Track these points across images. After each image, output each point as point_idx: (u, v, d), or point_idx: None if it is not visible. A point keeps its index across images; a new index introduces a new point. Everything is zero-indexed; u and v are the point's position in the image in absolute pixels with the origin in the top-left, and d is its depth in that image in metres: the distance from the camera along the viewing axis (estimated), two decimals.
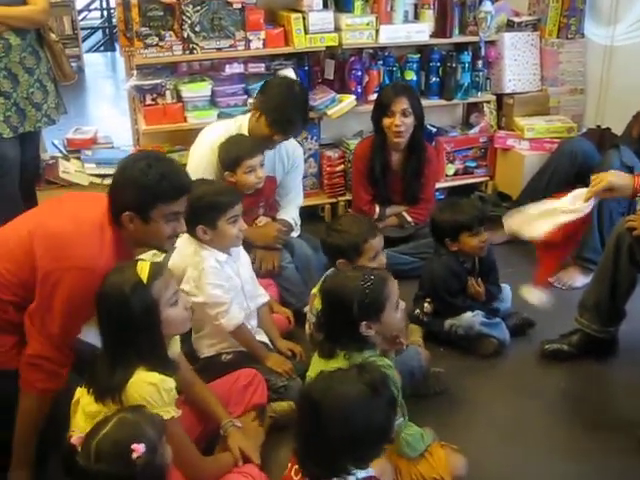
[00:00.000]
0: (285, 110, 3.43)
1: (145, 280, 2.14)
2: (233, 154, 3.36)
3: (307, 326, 3.04)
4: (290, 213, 3.73)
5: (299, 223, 3.80)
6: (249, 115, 3.58)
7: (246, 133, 3.52)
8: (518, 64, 4.95)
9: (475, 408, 3.04)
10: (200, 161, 3.49)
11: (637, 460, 2.77)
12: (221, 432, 2.52)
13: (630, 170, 3.81)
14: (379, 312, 2.40)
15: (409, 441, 2.41)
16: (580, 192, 2.68)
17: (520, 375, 3.26)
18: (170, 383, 2.15)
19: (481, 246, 3.33)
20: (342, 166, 4.62)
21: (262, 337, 3.05)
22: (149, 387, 2.09)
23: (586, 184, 4.05)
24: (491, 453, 2.78)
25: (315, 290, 2.94)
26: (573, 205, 2.69)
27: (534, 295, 2.80)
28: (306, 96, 3.68)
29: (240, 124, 3.57)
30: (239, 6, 4.13)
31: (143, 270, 2.16)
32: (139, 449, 1.81)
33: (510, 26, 4.97)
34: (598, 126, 4.79)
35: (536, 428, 2.94)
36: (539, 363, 3.33)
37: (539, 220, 2.65)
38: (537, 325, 3.51)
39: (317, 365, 2.44)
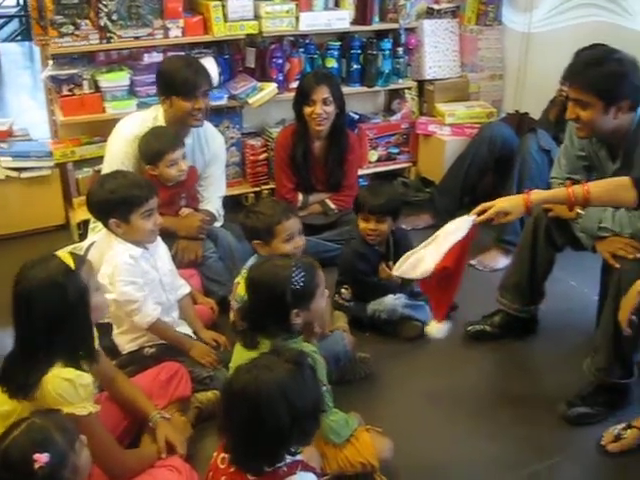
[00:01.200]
0: (176, 74, 3.41)
1: (73, 267, 2.13)
2: (154, 148, 3.32)
3: (231, 314, 3.02)
4: (213, 203, 3.69)
5: (222, 213, 3.77)
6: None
7: (163, 122, 3.49)
8: (438, 51, 5.01)
9: (401, 391, 3.08)
10: (117, 154, 3.44)
11: (558, 434, 2.86)
12: (150, 424, 2.49)
13: (547, 153, 3.91)
14: (310, 300, 2.41)
15: (334, 427, 2.42)
16: (463, 219, 2.72)
17: (443, 356, 3.31)
18: (87, 378, 2.12)
19: (367, 233, 3.38)
20: (265, 155, 4.60)
21: (184, 329, 3.02)
22: (64, 383, 2.05)
23: (503, 170, 4.16)
24: (417, 434, 2.82)
25: (239, 279, 2.93)
26: (454, 226, 2.72)
27: (438, 330, 2.86)
28: (193, 59, 3.72)
29: (156, 114, 3.53)
30: None
31: (67, 259, 2.14)
32: (42, 459, 1.76)
33: (430, 13, 5.02)
34: (517, 111, 4.88)
35: (461, 407, 3.00)
36: (462, 344, 3.39)
37: (426, 254, 2.68)
38: (460, 307, 3.55)
39: (240, 355, 2.42)
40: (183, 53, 4.16)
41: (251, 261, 2.97)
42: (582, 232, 3.02)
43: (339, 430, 2.44)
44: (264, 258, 2.66)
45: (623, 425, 2.79)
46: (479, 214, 2.70)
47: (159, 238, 2.97)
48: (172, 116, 3.48)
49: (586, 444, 2.80)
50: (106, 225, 2.80)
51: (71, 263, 2.14)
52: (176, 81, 3.40)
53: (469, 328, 3.42)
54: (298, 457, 1.99)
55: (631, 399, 2.94)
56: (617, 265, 2.80)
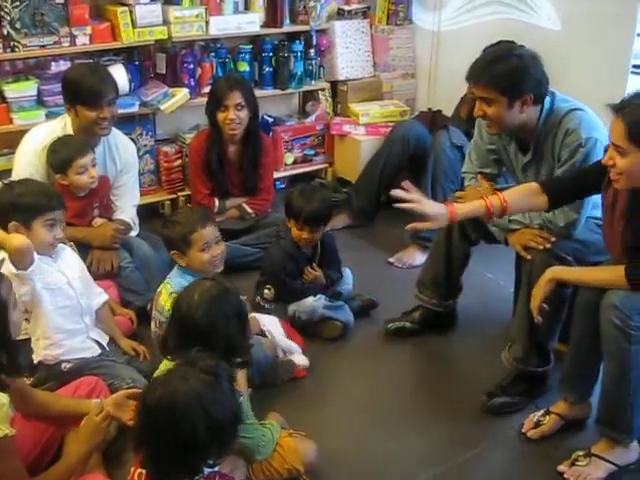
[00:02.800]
0: (81, 83, 3.35)
1: None
2: (63, 155, 3.26)
3: (152, 324, 2.98)
4: (127, 212, 3.63)
5: (137, 222, 3.72)
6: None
7: (71, 131, 3.43)
8: (350, 51, 5.03)
9: (323, 391, 3.09)
10: (25, 167, 3.37)
11: (481, 425, 2.91)
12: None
13: (460, 149, 3.98)
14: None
15: (261, 451, 2.39)
16: None
17: (365, 355, 3.33)
18: (2, 398, 2.05)
19: (300, 240, 3.39)
20: (180, 161, 4.55)
21: (97, 336, 2.97)
22: None
23: (418, 168, 4.20)
24: (342, 435, 2.83)
25: (161, 288, 2.89)
26: None
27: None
28: (98, 66, 3.69)
29: (64, 123, 3.47)
30: (62, 1, 3.96)
31: None
32: None
33: (340, 14, 5.04)
34: (429, 109, 4.94)
35: (384, 405, 3.02)
36: (384, 342, 3.42)
37: None
38: (380, 305, 3.59)
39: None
40: (91, 61, 4.08)
41: (175, 275, 2.92)
42: (494, 226, 3.08)
43: (266, 450, 2.41)
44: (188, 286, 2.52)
45: (542, 412, 2.86)
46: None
47: (66, 247, 2.91)
48: (79, 125, 3.41)
49: (508, 432, 2.86)
50: (4, 228, 2.71)
51: None
52: (81, 90, 3.34)
53: (389, 325, 3.44)
54: (216, 468, 1.97)
55: (549, 386, 3.01)
56: (528, 257, 2.86)
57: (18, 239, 2.60)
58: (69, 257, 2.92)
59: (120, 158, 3.62)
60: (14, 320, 2.16)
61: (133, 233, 3.65)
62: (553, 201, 2.74)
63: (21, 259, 2.62)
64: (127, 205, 3.65)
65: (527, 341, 2.92)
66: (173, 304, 2.38)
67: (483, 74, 2.80)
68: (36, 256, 2.67)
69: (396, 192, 2.77)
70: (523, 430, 2.84)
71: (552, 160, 2.88)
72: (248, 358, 2.39)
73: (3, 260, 2.71)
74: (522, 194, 2.80)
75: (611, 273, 2.52)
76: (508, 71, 2.76)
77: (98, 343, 2.94)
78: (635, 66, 3.89)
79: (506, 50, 2.91)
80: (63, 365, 2.83)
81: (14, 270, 2.60)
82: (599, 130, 2.79)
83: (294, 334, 3.19)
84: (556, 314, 2.83)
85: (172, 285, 2.85)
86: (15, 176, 3.40)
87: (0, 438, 2.01)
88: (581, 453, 2.65)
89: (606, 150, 2.45)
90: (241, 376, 2.48)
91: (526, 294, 2.78)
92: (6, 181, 3.61)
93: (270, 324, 3.04)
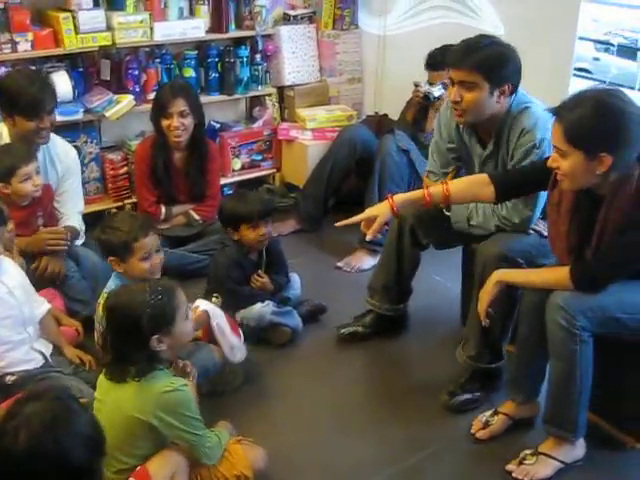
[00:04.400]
0: (20, 94, 3.27)
1: None
2: (6, 163, 3.18)
3: (96, 335, 2.94)
4: (73, 219, 3.58)
5: (84, 229, 3.66)
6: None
7: (8, 140, 3.37)
8: (296, 56, 5.03)
9: (274, 398, 3.08)
10: None
11: (432, 426, 2.94)
12: None
13: (406, 153, 4.00)
14: (170, 324, 2.33)
15: (208, 453, 2.37)
16: None
17: (316, 360, 3.33)
18: None
19: (259, 239, 3.37)
20: (126, 168, 4.49)
21: (41, 345, 2.92)
22: None
23: (365, 172, 4.22)
24: (292, 441, 2.82)
25: (100, 299, 2.85)
26: None
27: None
28: (35, 74, 3.58)
29: (1, 132, 3.40)
30: (1, 6, 3.89)
31: None
32: None
33: (286, 19, 5.04)
34: (376, 113, 4.97)
35: (335, 410, 3.02)
36: (335, 347, 3.43)
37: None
38: (329, 310, 3.59)
39: (105, 390, 2.35)
40: (34, 67, 4.01)
41: (111, 281, 2.89)
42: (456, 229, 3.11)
43: (213, 455, 2.39)
44: (122, 285, 2.54)
45: (490, 412, 2.89)
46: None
47: (4, 257, 2.85)
48: (17, 134, 3.35)
49: (458, 432, 2.88)
50: None
51: None
52: (19, 101, 3.26)
53: (342, 330, 3.44)
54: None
55: (504, 382, 3.04)
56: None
57: None
58: (9, 267, 2.87)
59: (61, 163, 3.55)
60: None
61: (80, 241, 3.59)
62: (500, 193, 2.78)
63: None
64: (72, 212, 3.58)
65: (480, 339, 2.95)
66: (104, 305, 2.37)
67: (470, 57, 2.79)
68: None
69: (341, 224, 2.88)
70: (472, 431, 2.86)
71: (507, 156, 2.92)
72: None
73: None
74: (469, 184, 2.85)
75: (556, 274, 2.56)
76: (495, 56, 2.80)
77: (42, 354, 2.89)
78: (577, 69, 3.96)
79: (488, 37, 2.92)
80: (7, 378, 2.78)
81: None
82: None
83: (235, 327, 3.15)
84: (507, 314, 2.87)
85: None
86: None
87: None
88: (529, 452, 2.68)
89: None
90: (190, 384, 2.47)
91: (477, 295, 2.81)
92: None
93: (219, 318, 2.99)
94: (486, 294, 2.68)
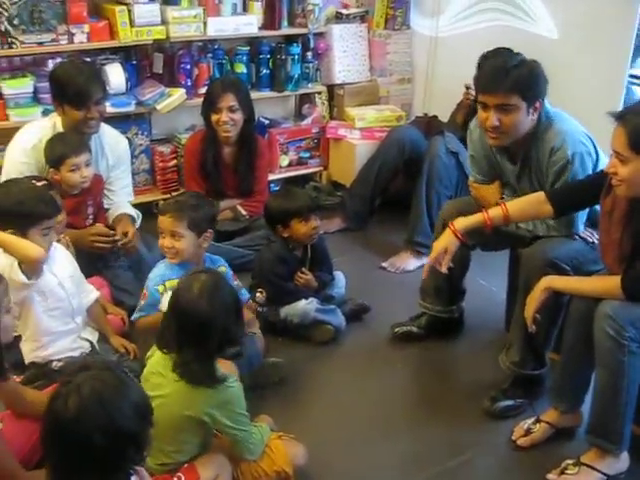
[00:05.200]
0: (68, 84, 3.31)
1: None
2: (58, 151, 3.25)
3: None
4: (125, 207, 3.63)
5: (140, 215, 3.72)
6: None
7: (62, 129, 3.40)
8: (347, 55, 5.03)
9: (314, 395, 3.08)
10: (14, 165, 3.35)
11: (472, 431, 2.92)
12: None
13: (455, 155, 3.98)
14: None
15: (251, 449, 2.38)
16: None
17: (358, 359, 3.33)
18: None
19: (311, 233, 3.38)
20: (175, 161, 4.55)
21: (87, 334, 2.96)
22: None
23: (412, 172, 4.21)
24: (331, 439, 2.82)
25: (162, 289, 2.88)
26: None
27: None
28: (85, 65, 3.60)
29: (55, 121, 3.44)
30: None
31: None
32: None
33: (338, 18, 5.04)
34: (425, 114, 4.95)
35: (375, 409, 3.02)
36: (376, 346, 3.42)
37: None
38: (372, 310, 3.58)
39: (153, 384, 2.31)
40: (88, 59, 4.06)
41: (153, 276, 2.93)
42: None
43: (256, 450, 2.40)
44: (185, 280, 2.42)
45: (533, 419, 2.85)
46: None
47: (57, 245, 2.90)
48: (68, 123, 3.39)
49: (499, 439, 2.86)
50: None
51: None
52: (67, 91, 3.30)
53: (397, 329, 3.44)
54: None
55: (546, 389, 3.01)
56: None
57: (36, 251, 2.60)
58: (60, 256, 2.90)
59: (112, 153, 3.60)
60: (5, 325, 2.17)
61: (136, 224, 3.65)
62: (558, 210, 2.78)
63: (34, 270, 2.63)
64: (123, 200, 3.65)
65: (524, 345, 2.92)
66: (171, 299, 2.35)
67: (506, 80, 2.78)
68: None
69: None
70: (513, 437, 2.83)
71: (540, 172, 2.91)
72: (241, 349, 2.36)
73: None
74: (527, 203, 2.86)
75: (606, 283, 2.53)
76: (528, 75, 2.78)
77: (89, 341, 2.93)
78: (632, 76, 3.90)
79: (514, 55, 2.91)
80: (54, 364, 2.81)
81: (25, 280, 2.62)
82: (583, 140, 2.82)
83: None
84: (553, 321, 2.84)
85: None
86: (5, 174, 3.38)
87: None
88: (571, 462, 2.64)
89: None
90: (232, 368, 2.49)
91: (522, 300, 2.78)
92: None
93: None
94: (534, 300, 2.66)
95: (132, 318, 3.01)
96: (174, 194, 4.48)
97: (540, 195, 2.82)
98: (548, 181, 2.87)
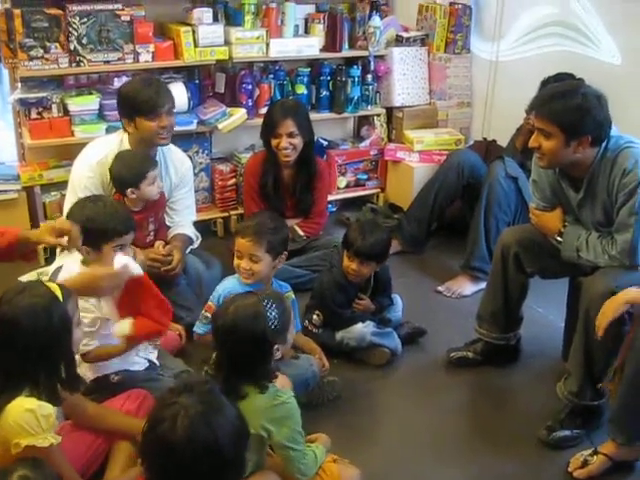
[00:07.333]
0: (138, 95, 3.39)
1: (61, 298, 2.13)
2: (136, 169, 3.31)
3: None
4: (186, 228, 3.68)
5: (199, 236, 3.78)
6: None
7: (128, 146, 3.48)
8: (407, 78, 5.04)
9: (368, 417, 3.07)
10: (80, 180, 3.42)
11: (525, 460, 2.88)
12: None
13: (515, 180, 3.95)
14: (286, 330, 2.36)
15: (302, 469, 2.36)
16: None
17: (413, 383, 3.32)
18: (48, 409, 2.08)
19: (348, 271, 3.34)
20: (234, 180, 4.60)
21: (146, 354, 2.98)
22: (26, 413, 2.03)
23: (471, 197, 4.18)
24: (385, 462, 2.80)
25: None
26: None
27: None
28: (152, 78, 3.67)
29: (121, 138, 3.52)
30: (127, 18, 4.05)
31: (55, 289, 2.15)
32: None
33: (399, 41, 5.07)
34: (484, 138, 4.93)
35: (428, 435, 2.99)
36: (432, 371, 3.40)
37: None
38: (428, 334, 3.57)
39: None
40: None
41: (222, 289, 2.95)
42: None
43: (307, 471, 2.37)
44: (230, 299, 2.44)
45: (590, 451, 2.81)
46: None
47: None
48: (137, 138, 3.46)
49: (554, 470, 2.82)
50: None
51: (59, 294, 2.13)
52: (138, 101, 3.38)
53: (452, 354, 3.42)
54: None
55: (604, 420, 2.95)
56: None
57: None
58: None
59: (176, 172, 3.67)
60: (76, 338, 2.23)
61: (195, 245, 3.73)
62: None
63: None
64: (186, 219, 3.71)
65: (582, 375, 2.88)
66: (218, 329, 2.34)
67: (545, 106, 2.80)
68: None
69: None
70: (569, 469, 2.78)
71: (607, 198, 2.87)
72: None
73: (59, 268, 2.75)
74: None
75: None
76: (571, 108, 2.75)
77: (148, 360, 2.97)
78: None
79: (572, 87, 2.91)
80: (112, 377, 2.85)
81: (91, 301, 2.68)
82: None
83: None
84: (612, 351, 2.78)
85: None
86: (70, 189, 3.46)
87: (45, 447, 2.05)
88: None
89: None
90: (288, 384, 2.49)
91: (582, 329, 2.75)
92: (64, 192, 3.69)
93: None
94: (611, 311, 2.61)
95: (195, 330, 3.05)
96: (232, 212, 4.56)
97: None
98: (617, 205, 2.83)
